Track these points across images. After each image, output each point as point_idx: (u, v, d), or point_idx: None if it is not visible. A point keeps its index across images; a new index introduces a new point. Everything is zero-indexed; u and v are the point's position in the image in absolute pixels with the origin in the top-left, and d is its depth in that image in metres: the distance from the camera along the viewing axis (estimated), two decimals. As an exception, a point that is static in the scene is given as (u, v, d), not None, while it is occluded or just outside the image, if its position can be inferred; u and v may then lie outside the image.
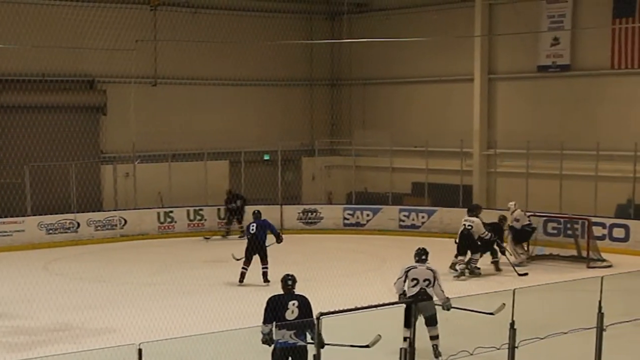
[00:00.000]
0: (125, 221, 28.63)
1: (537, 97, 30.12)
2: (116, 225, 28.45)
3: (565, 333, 10.38)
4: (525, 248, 24.42)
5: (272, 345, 11.33)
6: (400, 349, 9.28)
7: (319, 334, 9.40)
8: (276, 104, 34.28)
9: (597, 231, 24.96)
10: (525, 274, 22.09)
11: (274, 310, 11.45)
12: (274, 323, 11.38)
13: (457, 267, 22.29)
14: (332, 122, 36.02)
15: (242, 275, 20.74)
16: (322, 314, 8.88)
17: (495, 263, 22.87)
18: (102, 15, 29.50)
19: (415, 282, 14.56)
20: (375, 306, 9.48)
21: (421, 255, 14.87)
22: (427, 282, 14.49)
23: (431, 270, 14.60)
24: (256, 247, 20.82)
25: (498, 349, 9.71)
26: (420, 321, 13.32)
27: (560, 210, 27.35)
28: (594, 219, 24.65)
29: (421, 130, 32.30)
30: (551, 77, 29.69)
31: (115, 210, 29.10)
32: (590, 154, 27.37)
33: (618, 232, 25.94)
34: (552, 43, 29.41)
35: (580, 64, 29.02)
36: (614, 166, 27.26)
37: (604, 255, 23.88)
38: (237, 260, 20.75)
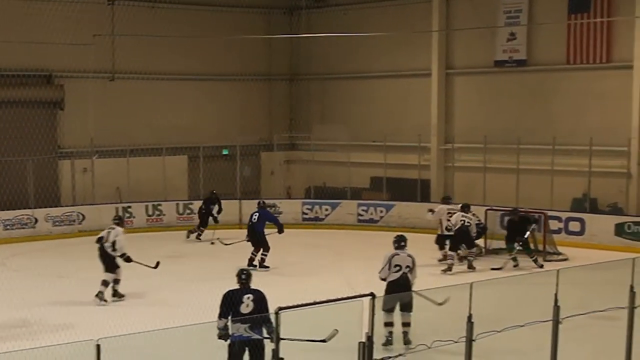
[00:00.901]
0: (84, 216, 28.48)
1: (494, 92, 30.36)
2: (74, 220, 28.30)
3: (521, 326, 10.48)
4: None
5: (228, 340, 11.39)
6: (359, 343, 9.34)
7: (275, 328, 9.46)
8: (235, 99, 34.24)
9: (553, 225, 25.22)
10: (500, 268, 22.40)
11: (229, 304, 11.57)
12: (229, 317, 11.49)
13: (448, 261, 22.59)
14: (290, 117, 36.06)
15: (250, 260, 22.12)
16: (280, 308, 8.92)
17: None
18: (59, 10, 29.22)
19: (397, 268, 15.09)
20: (334, 300, 9.54)
21: (400, 242, 15.47)
22: (408, 269, 15.09)
23: (411, 257, 15.22)
24: (253, 235, 22.51)
25: (456, 342, 9.80)
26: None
27: (517, 204, 27.52)
28: (550, 213, 24.89)
29: (379, 125, 32.42)
30: (508, 72, 29.94)
31: (73, 206, 28.96)
32: (546, 148, 27.65)
33: (574, 226, 26.21)
34: (508, 38, 29.66)
35: (536, 59, 29.29)
36: (569, 160, 27.50)
37: (560, 249, 24.13)
38: (226, 245, 21.76)
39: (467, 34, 29.96)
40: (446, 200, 24.64)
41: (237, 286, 11.96)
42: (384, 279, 15.18)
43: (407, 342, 14.45)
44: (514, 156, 28.37)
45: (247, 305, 11.57)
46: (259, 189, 33.58)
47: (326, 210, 30.39)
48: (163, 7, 31.88)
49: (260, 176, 34.41)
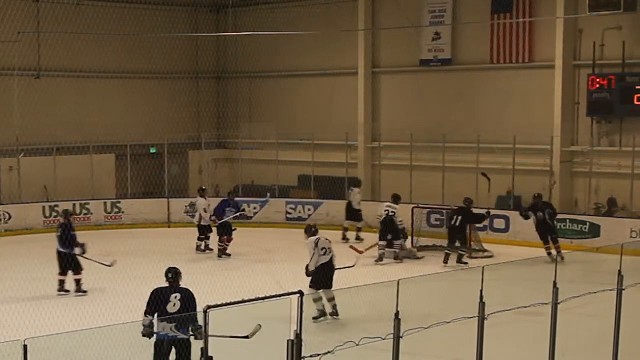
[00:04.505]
0: (10, 216, 28.17)
1: (420, 91, 30.67)
2: (0, 220, 27.97)
3: (448, 322, 10.60)
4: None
5: (153, 338, 11.43)
6: (288, 340, 9.42)
7: (200, 327, 9.51)
8: (162, 97, 34.10)
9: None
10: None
11: (156, 302, 11.61)
12: (155, 316, 11.55)
13: (378, 252, 23.27)
14: (218, 115, 36.01)
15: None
16: (209, 307, 8.96)
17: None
18: (-18, 7, 28.94)
19: (325, 250, 16.61)
20: (263, 298, 9.60)
21: (313, 229, 17.13)
22: (330, 250, 16.72)
23: (328, 239, 16.97)
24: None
25: (384, 339, 9.89)
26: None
27: (443, 201, 27.91)
28: (475, 211, 25.19)
29: (307, 124, 32.56)
30: (433, 71, 30.30)
31: (-1, 205, 28.65)
32: (471, 146, 28.04)
33: (499, 223, 26.56)
34: (433, 38, 30.01)
35: (461, 58, 29.69)
36: (494, 159, 27.93)
37: (485, 246, 24.50)
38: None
39: (393, 34, 30.22)
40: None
41: (166, 284, 12.01)
42: (313, 270, 16.47)
43: (336, 314, 16.47)
44: (440, 154, 28.72)
45: (174, 304, 11.61)
46: (187, 188, 33.49)
47: (254, 208, 30.42)
48: (89, 5, 31.65)
49: (188, 175, 34.30)
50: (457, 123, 29.22)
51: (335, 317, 16.46)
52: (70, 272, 19.31)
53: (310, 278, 16.68)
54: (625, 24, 26.13)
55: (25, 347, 8.15)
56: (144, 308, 11.77)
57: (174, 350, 11.51)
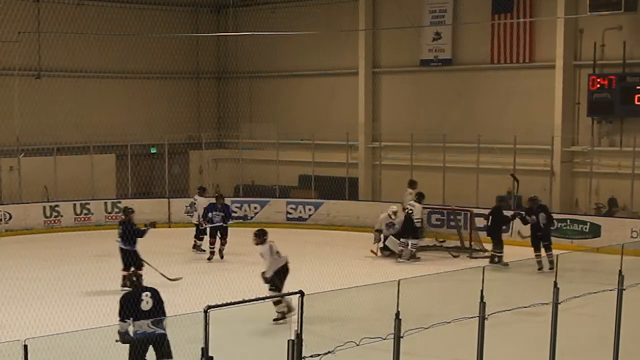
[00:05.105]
0: (10, 216, 28.16)
1: (420, 91, 30.69)
2: (1, 220, 27.94)
3: (448, 322, 10.61)
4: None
5: (129, 343, 11.55)
6: (288, 340, 9.42)
7: (205, 327, 9.52)
8: (163, 97, 34.09)
9: (479, 222, 25.48)
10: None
11: (129, 305, 11.84)
12: (131, 319, 11.67)
13: (398, 249, 23.66)
14: (218, 115, 36.01)
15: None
16: (209, 307, 8.96)
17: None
18: (-17, 7, 28.94)
19: (278, 253, 16.90)
20: (263, 298, 9.62)
21: (263, 233, 17.10)
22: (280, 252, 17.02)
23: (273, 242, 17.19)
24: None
25: (384, 339, 9.89)
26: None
27: (444, 201, 27.93)
28: (475, 210, 25.20)
29: (307, 124, 32.57)
30: (433, 71, 30.30)
31: (-1, 205, 28.66)
32: (471, 146, 28.04)
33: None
34: (434, 38, 30.01)
35: (461, 58, 29.69)
36: (494, 158, 27.93)
37: (486, 246, 24.47)
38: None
39: (394, 33, 30.22)
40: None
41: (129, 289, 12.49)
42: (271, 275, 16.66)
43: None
44: (440, 154, 28.73)
45: (147, 302, 11.90)
46: (187, 188, 33.49)
47: (255, 208, 30.41)
48: (89, 4, 31.66)
49: (188, 174, 34.32)
50: (458, 123, 29.24)
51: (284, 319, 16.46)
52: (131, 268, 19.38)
53: (268, 284, 16.75)
54: (625, 24, 26.13)
55: (25, 347, 8.15)
56: None
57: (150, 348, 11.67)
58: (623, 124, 26.51)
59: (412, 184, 26.47)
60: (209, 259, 23.76)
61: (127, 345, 11.48)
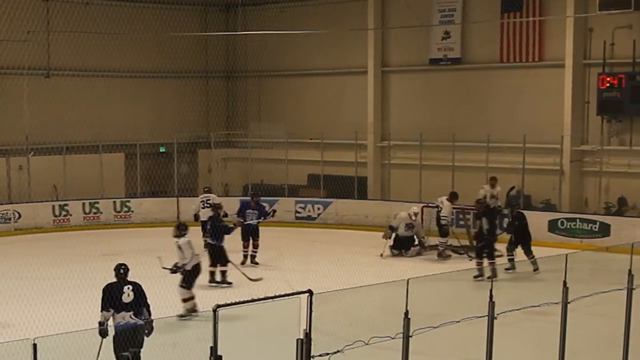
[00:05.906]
0: (20, 215, 28.23)
1: (430, 90, 30.65)
2: (10, 219, 28.03)
3: (457, 322, 10.60)
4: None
5: (105, 336, 11.78)
6: (297, 339, 9.41)
7: (214, 325, 9.52)
8: (172, 96, 34.15)
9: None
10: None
11: (111, 296, 12.22)
12: (112, 311, 12.10)
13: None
14: (227, 114, 36.03)
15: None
16: (218, 306, 8.95)
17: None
18: (-8, 6, 29.01)
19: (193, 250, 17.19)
20: (272, 297, 9.59)
21: (184, 227, 17.42)
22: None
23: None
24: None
25: (393, 338, 9.88)
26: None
27: (453, 201, 27.85)
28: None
29: (316, 123, 32.56)
30: (443, 70, 30.26)
31: (9, 204, 28.64)
32: (481, 145, 28.01)
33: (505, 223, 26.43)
34: (443, 37, 29.97)
35: (470, 57, 29.65)
36: (503, 157, 27.88)
37: (495, 245, 24.38)
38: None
39: (403, 32, 30.19)
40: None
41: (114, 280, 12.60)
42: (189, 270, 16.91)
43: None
44: (449, 153, 28.69)
45: (128, 295, 12.28)
46: (196, 187, 33.49)
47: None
48: (98, 4, 31.71)
49: (197, 174, 34.32)
50: (467, 122, 29.19)
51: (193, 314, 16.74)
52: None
53: (181, 277, 16.98)
54: (635, 23, 26.05)
55: (34, 345, 8.17)
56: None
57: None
58: (633, 123, 26.44)
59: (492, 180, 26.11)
60: (242, 263, 22.46)
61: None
